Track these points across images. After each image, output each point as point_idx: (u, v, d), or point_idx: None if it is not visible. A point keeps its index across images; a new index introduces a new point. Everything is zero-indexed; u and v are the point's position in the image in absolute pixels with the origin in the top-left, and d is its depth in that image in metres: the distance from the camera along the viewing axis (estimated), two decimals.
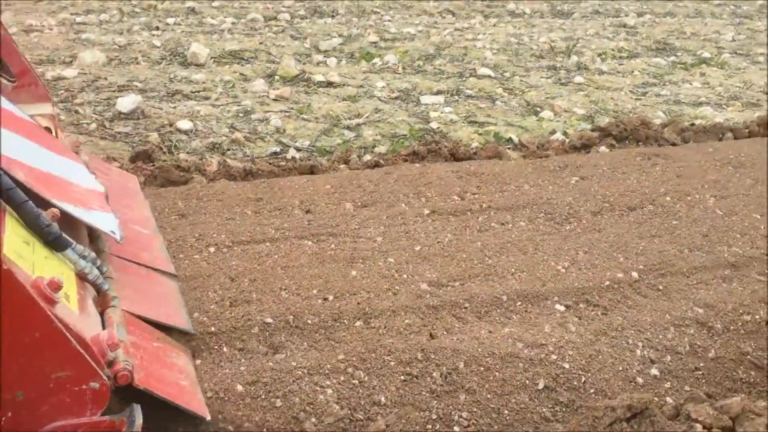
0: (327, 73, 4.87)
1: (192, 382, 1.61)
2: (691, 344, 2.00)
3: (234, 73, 4.89)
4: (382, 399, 1.71)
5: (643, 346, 1.98)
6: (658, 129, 3.91)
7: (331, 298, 2.05)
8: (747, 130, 4.04)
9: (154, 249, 2.13)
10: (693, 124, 4.13)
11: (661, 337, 2.01)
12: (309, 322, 1.93)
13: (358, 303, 2.03)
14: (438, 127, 3.99)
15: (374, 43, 6.21)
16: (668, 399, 1.84)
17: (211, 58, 5.26)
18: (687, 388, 1.89)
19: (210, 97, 4.29)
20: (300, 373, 1.74)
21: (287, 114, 4.05)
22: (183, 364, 1.66)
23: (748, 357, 2.00)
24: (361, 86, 4.73)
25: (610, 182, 3.02)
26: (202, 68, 4.96)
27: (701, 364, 1.95)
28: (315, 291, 2.07)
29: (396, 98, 4.52)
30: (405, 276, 2.20)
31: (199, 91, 4.40)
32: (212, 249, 2.28)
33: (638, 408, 1.57)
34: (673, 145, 3.79)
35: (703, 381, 1.91)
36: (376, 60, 5.49)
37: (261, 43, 5.96)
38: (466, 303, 2.09)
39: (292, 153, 3.46)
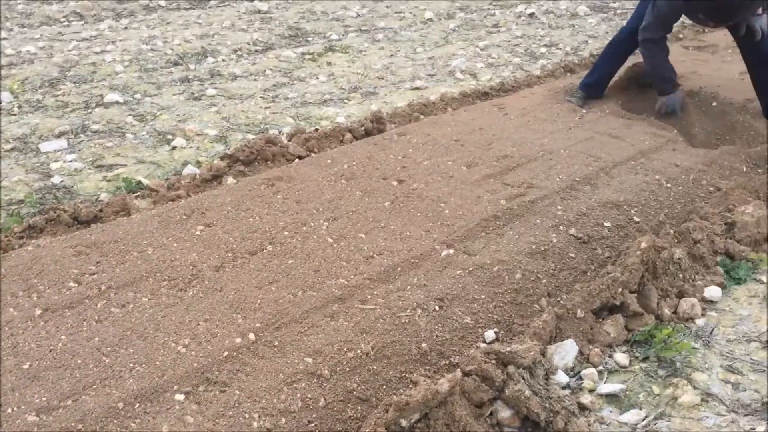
0: None
1: None
2: (303, 399, 2.17)
3: None
4: None
5: (259, 417, 2.10)
6: (284, 144, 4.10)
7: None
8: (363, 129, 4.41)
9: None
10: (317, 130, 4.40)
11: (275, 400, 2.16)
12: None
13: None
14: (62, 182, 3.73)
15: None
16: None
17: None
18: None
19: None
20: None
21: None
22: None
23: (354, 393, 2.24)
24: None
25: (233, 225, 3.11)
26: None
27: (314, 416, 2.14)
28: None
29: (12, 150, 4.12)
30: (10, 410, 2.06)
31: None
32: None
33: None
34: (300, 158, 4.01)
35: None
36: None
37: None
38: (79, 425, 2.02)
39: None
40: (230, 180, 3.67)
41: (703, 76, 5.26)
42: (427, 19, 7.79)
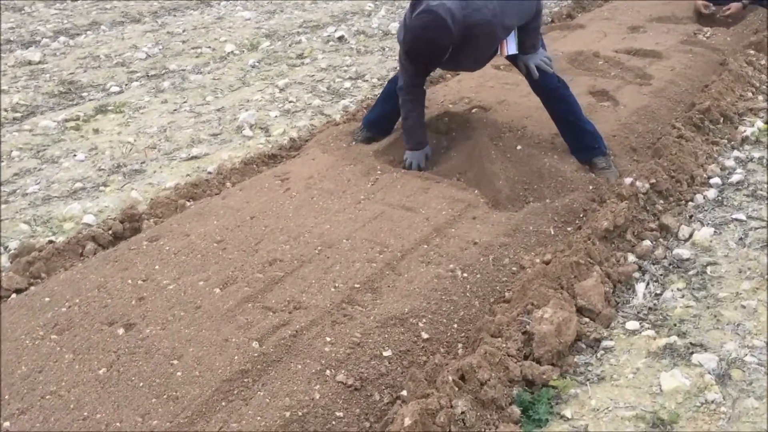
0: None
1: None
2: None
3: None
4: None
5: None
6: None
7: None
8: (111, 233, 3.57)
9: None
10: (51, 242, 3.52)
11: None
12: None
13: None
14: None
15: None
16: None
17: None
18: None
19: None
20: None
21: None
22: None
23: None
24: None
25: None
26: None
27: None
28: None
29: None
30: None
31: None
32: None
33: None
34: (18, 292, 3.14)
35: None
36: None
37: None
38: None
39: None
40: None
41: (511, 106, 4.83)
42: (227, 53, 6.98)
